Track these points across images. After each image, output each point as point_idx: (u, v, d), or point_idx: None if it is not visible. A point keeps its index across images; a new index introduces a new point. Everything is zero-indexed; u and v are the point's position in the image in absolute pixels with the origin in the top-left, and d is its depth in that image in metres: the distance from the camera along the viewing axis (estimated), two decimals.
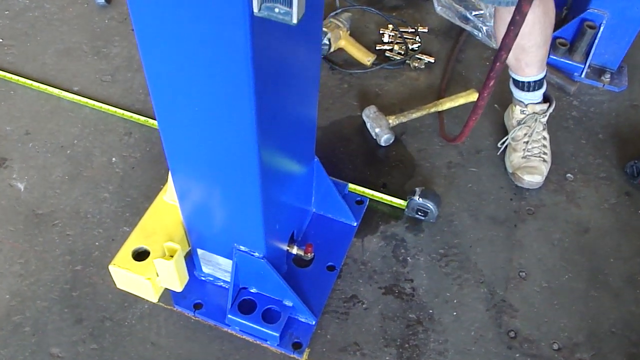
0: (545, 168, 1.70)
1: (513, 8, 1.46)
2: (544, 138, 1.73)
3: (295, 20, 0.78)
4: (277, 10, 0.78)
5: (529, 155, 1.70)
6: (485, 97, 1.13)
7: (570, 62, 2.02)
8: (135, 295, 1.35)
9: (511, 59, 1.63)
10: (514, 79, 1.70)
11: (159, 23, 0.87)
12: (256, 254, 1.26)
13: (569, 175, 1.77)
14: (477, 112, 1.20)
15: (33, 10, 2.21)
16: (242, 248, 1.27)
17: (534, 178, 1.68)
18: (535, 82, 1.67)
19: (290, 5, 0.77)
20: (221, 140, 1.02)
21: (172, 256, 1.24)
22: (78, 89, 1.94)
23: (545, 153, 1.71)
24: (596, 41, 1.94)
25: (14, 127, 1.82)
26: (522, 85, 1.69)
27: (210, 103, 0.96)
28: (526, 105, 1.71)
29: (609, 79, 2.00)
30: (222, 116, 0.97)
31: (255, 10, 0.79)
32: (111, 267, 1.26)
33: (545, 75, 1.68)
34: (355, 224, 1.58)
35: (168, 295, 1.41)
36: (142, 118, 1.83)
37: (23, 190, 1.66)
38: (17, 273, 1.49)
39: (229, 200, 1.16)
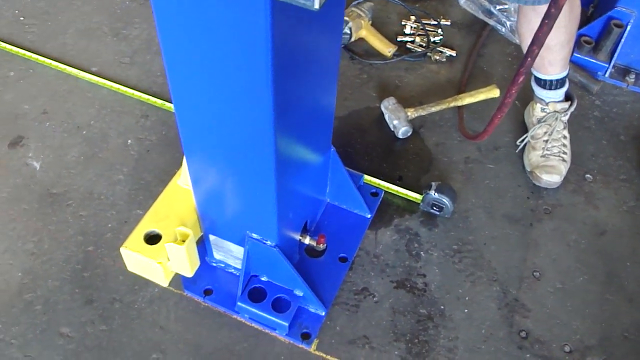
0: (564, 168, 1.67)
1: (539, 7, 1.45)
2: (564, 137, 1.70)
3: (317, 6, 0.76)
4: None
5: (548, 154, 1.67)
6: (513, 94, 1.10)
7: (594, 61, 1.98)
8: (146, 279, 1.35)
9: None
10: (535, 77, 1.67)
11: (178, 5, 0.86)
12: (268, 242, 1.25)
13: (588, 175, 1.74)
14: (503, 110, 1.16)
15: None
16: (255, 236, 1.26)
17: (552, 178, 1.65)
18: (557, 80, 1.64)
19: None
20: (237, 125, 1.01)
21: (183, 241, 1.24)
22: (96, 69, 1.94)
23: (565, 152, 1.68)
24: (622, 40, 1.90)
25: (32, 105, 1.82)
26: (544, 84, 1.66)
27: (228, 88, 0.95)
28: (547, 104, 1.68)
29: (633, 80, 1.96)
30: (239, 101, 0.96)
31: None
32: (122, 250, 1.26)
33: (567, 74, 1.65)
34: (369, 216, 1.56)
35: (178, 279, 1.41)
36: (159, 101, 1.82)
37: (38, 169, 1.66)
38: (30, 251, 1.49)
39: (243, 187, 1.15)
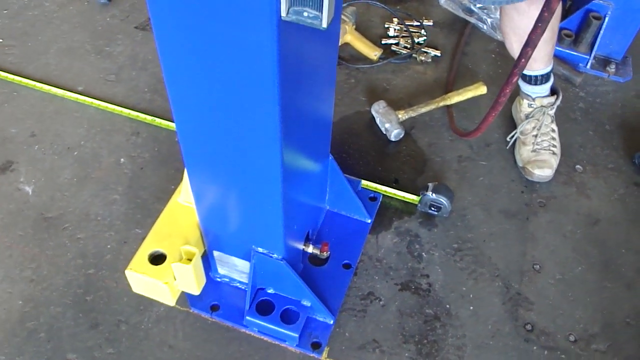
0: (555, 161, 1.70)
1: (519, 5, 1.47)
2: (553, 130, 1.73)
3: (325, 25, 0.77)
4: (305, 14, 0.77)
5: (539, 148, 1.70)
6: (507, 93, 1.13)
7: (575, 53, 2.02)
8: (151, 298, 1.33)
9: (518, 53, 1.62)
10: (521, 74, 1.70)
11: (182, 27, 0.86)
12: (275, 255, 1.25)
13: (578, 166, 1.77)
14: (497, 108, 1.19)
15: (32, 9, 2.18)
16: (261, 250, 1.26)
17: (544, 172, 1.68)
18: (542, 75, 1.67)
19: (320, 9, 0.76)
20: (243, 142, 1.01)
21: (190, 259, 1.23)
22: (82, 88, 1.91)
23: (554, 146, 1.71)
24: (601, 32, 1.94)
25: (19, 129, 1.79)
26: (530, 79, 1.69)
27: (233, 106, 0.95)
28: (534, 99, 1.71)
29: (614, 70, 2.00)
30: (245, 119, 0.96)
31: (283, 14, 0.78)
32: (128, 272, 1.25)
33: (552, 69, 1.68)
34: (369, 221, 1.57)
35: (184, 297, 1.40)
36: (149, 117, 1.80)
37: (31, 193, 1.64)
38: (29, 278, 1.47)
39: (249, 202, 1.15)
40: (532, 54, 1.02)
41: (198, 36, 0.86)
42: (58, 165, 1.70)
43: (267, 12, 0.78)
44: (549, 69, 1.66)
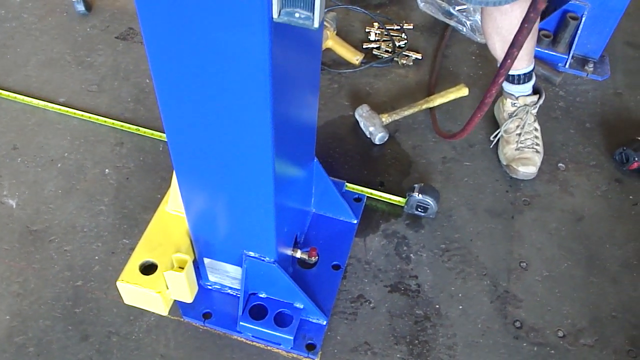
0: (538, 159, 1.73)
1: (502, 7, 1.49)
2: (536, 129, 1.75)
3: (317, 25, 0.77)
4: (297, 15, 0.77)
5: (522, 147, 1.72)
6: (493, 93, 1.14)
7: (554, 53, 2.06)
8: (141, 308, 1.32)
9: (500, 53, 1.65)
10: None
11: (171, 31, 0.85)
12: (267, 258, 1.25)
13: (560, 164, 1.80)
14: (483, 109, 1.20)
15: (10, 21, 2.15)
16: (252, 254, 1.26)
17: (528, 169, 1.70)
18: (525, 74, 1.70)
19: (312, 9, 0.76)
20: (234, 148, 1.01)
21: (182, 267, 1.23)
22: (64, 100, 1.90)
23: (537, 144, 1.74)
24: (579, 32, 1.97)
25: (0, 142, 1.77)
26: (513, 79, 1.71)
27: (225, 112, 0.95)
28: (517, 98, 1.73)
29: (592, 69, 2.04)
30: (237, 124, 0.96)
31: (275, 16, 0.78)
32: (119, 284, 1.24)
33: (534, 68, 1.71)
34: (355, 222, 1.58)
35: (175, 306, 1.39)
36: (133, 127, 1.79)
37: (15, 207, 1.62)
38: (16, 293, 1.45)
39: (241, 208, 1.15)
40: (518, 54, 1.03)
41: (189, 40, 0.86)
42: (42, 178, 1.69)
43: (258, 14, 0.78)
44: (530, 67, 1.69)
